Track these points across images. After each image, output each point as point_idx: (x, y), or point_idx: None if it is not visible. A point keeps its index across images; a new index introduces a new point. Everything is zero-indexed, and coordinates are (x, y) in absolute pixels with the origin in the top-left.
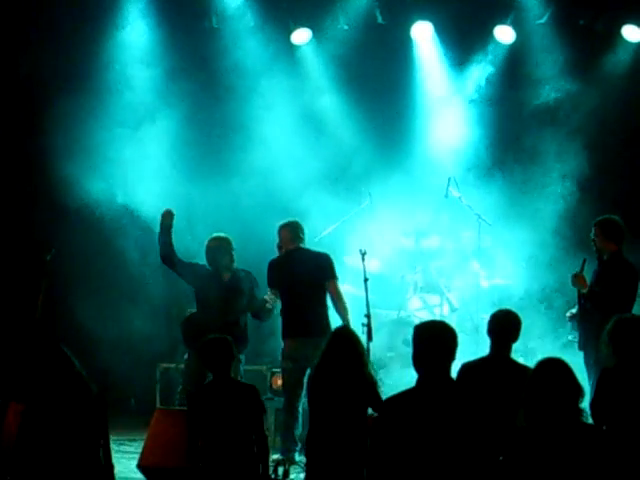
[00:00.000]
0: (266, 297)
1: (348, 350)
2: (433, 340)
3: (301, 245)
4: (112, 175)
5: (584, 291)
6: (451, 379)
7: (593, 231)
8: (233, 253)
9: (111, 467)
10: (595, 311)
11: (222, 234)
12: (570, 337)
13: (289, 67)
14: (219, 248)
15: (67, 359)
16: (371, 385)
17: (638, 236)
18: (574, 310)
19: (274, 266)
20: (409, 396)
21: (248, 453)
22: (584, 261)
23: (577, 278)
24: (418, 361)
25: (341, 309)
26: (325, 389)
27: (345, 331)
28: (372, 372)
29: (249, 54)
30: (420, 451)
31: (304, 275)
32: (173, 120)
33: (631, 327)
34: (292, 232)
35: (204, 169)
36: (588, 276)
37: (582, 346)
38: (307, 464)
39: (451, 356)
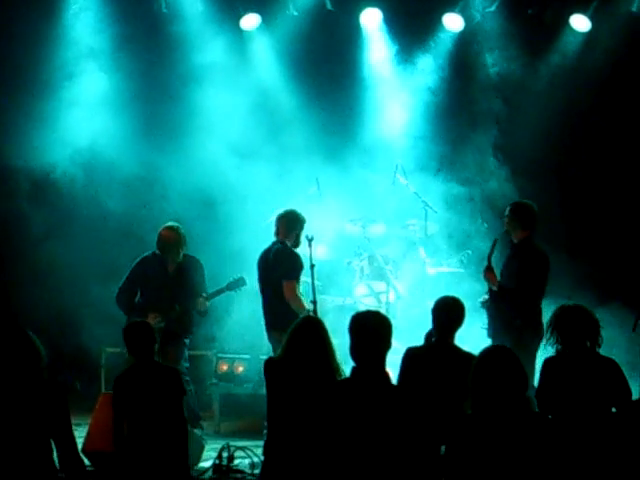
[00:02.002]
0: (200, 299)
1: (314, 339)
2: (367, 331)
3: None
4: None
5: (494, 288)
6: (384, 371)
7: (505, 211)
8: (182, 247)
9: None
10: (503, 302)
11: (175, 225)
12: (482, 325)
13: (238, 52)
14: (169, 240)
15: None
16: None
17: (578, 209)
18: (487, 296)
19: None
20: (344, 386)
21: (169, 436)
22: (495, 242)
23: (487, 274)
24: (353, 351)
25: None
26: (287, 379)
27: (312, 320)
28: (339, 364)
29: (198, 39)
30: (353, 440)
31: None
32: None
33: (575, 315)
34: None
35: (152, 154)
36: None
37: (491, 334)
38: (265, 454)
39: (385, 347)
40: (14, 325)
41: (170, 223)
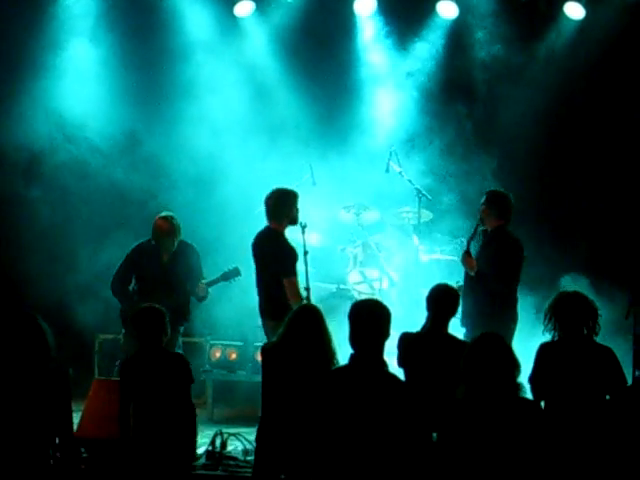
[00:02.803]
0: (200, 285)
1: (312, 326)
2: (367, 320)
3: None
4: None
5: (472, 273)
6: (382, 359)
7: (482, 200)
8: (176, 236)
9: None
10: (478, 289)
11: (170, 214)
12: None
13: (232, 39)
14: (163, 229)
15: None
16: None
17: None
18: (462, 283)
19: None
20: (341, 373)
21: (176, 423)
22: (476, 226)
23: (466, 259)
24: (353, 339)
25: None
26: (284, 366)
27: (310, 307)
28: (335, 352)
29: (192, 25)
30: (348, 427)
31: None
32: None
33: (574, 302)
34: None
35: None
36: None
37: (464, 323)
38: (258, 440)
39: (384, 336)
40: (24, 312)
41: (164, 213)
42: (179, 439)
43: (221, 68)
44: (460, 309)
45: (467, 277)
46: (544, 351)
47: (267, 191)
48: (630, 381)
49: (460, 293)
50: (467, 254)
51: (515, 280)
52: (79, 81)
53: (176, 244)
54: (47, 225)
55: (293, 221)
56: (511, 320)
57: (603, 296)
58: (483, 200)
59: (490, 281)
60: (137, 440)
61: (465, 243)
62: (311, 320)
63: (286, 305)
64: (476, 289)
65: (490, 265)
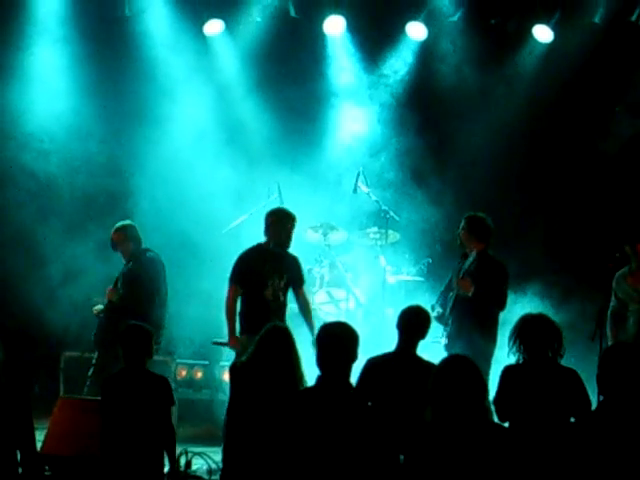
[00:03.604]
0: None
1: (281, 347)
2: (335, 342)
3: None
4: None
5: (470, 294)
6: (348, 382)
7: (460, 224)
8: (125, 245)
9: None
10: (469, 311)
11: (119, 224)
12: (432, 339)
13: (201, 58)
14: (112, 240)
15: None
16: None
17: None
18: (440, 309)
19: None
20: (308, 395)
21: (156, 444)
22: (463, 253)
23: (464, 283)
24: (320, 361)
25: None
26: (251, 385)
27: (280, 328)
28: (303, 374)
29: (161, 44)
30: (313, 449)
31: None
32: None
33: (538, 324)
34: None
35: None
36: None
37: (449, 347)
38: (224, 460)
39: (351, 359)
40: None
41: (118, 223)
42: (158, 459)
43: (188, 85)
44: (444, 334)
45: (456, 300)
46: (508, 373)
47: (236, 211)
48: (595, 404)
49: (438, 320)
50: (463, 277)
51: (503, 304)
52: (43, 83)
53: (131, 252)
54: (11, 234)
55: (279, 243)
56: (492, 341)
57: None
58: (462, 225)
59: (487, 301)
60: (116, 459)
61: (457, 267)
62: (281, 340)
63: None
64: (467, 311)
65: (482, 287)
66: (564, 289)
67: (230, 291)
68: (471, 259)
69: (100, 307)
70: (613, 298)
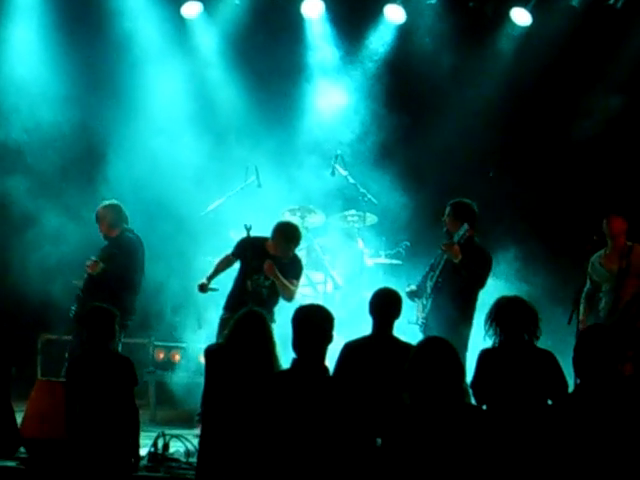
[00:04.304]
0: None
1: (257, 330)
2: (310, 325)
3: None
4: None
5: (456, 261)
6: (323, 365)
7: (444, 215)
8: (107, 224)
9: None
10: (446, 293)
11: (106, 203)
12: (408, 320)
13: (179, 40)
14: (96, 218)
15: None
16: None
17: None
18: (414, 287)
19: None
20: (283, 377)
21: (120, 424)
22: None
23: (452, 247)
24: (295, 343)
25: None
26: (227, 368)
27: (256, 312)
28: (278, 357)
29: (139, 25)
30: (289, 431)
31: None
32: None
33: (513, 307)
34: None
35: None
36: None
37: (425, 327)
38: (200, 443)
39: (326, 341)
40: None
41: (105, 202)
42: (122, 440)
43: (167, 68)
44: (422, 314)
45: (438, 280)
46: (485, 357)
47: (214, 194)
48: (572, 386)
49: (411, 298)
50: (451, 243)
51: (482, 286)
52: (19, 65)
53: (115, 232)
54: None
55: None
56: (470, 323)
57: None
58: (448, 211)
59: (470, 273)
60: (81, 441)
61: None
62: (256, 324)
63: None
64: (448, 292)
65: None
66: (546, 272)
67: (227, 254)
68: (460, 232)
69: (81, 282)
70: (588, 281)
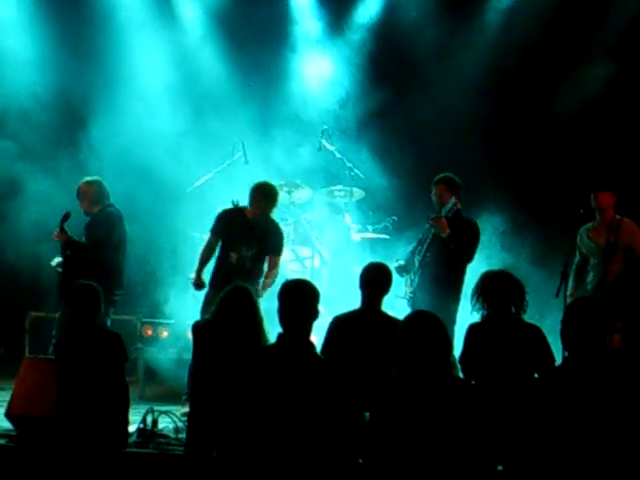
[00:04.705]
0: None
1: (244, 306)
2: (296, 300)
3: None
4: None
5: (444, 235)
6: (308, 339)
7: (435, 189)
8: (94, 197)
9: None
10: (435, 267)
11: (87, 179)
12: (396, 294)
13: (161, 8)
14: (77, 194)
15: None
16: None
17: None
18: (402, 262)
19: None
20: (269, 352)
21: (109, 402)
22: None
23: (439, 221)
24: (281, 318)
25: None
26: (214, 344)
27: (242, 287)
28: (266, 331)
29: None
30: (276, 406)
31: None
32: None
33: (500, 281)
34: None
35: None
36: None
37: (414, 300)
38: (189, 418)
39: (312, 316)
40: None
41: (86, 177)
42: (112, 417)
43: (151, 44)
44: (409, 289)
45: (426, 255)
46: (473, 331)
47: (201, 169)
48: (560, 360)
49: (400, 272)
50: (439, 217)
51: (471, 259)
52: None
53: (95, 208)
54: None
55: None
56: (457, 297)
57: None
58: (437, 189)
59: (458, 247)
60: (71, 418)
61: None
62: (243, 299)
63: None
64: (437, 266)
65: (451, 244)
66: (532, 247)
67: (208, 238)
68: (448, 207)
69: (57, 260)
70: (577, 253)
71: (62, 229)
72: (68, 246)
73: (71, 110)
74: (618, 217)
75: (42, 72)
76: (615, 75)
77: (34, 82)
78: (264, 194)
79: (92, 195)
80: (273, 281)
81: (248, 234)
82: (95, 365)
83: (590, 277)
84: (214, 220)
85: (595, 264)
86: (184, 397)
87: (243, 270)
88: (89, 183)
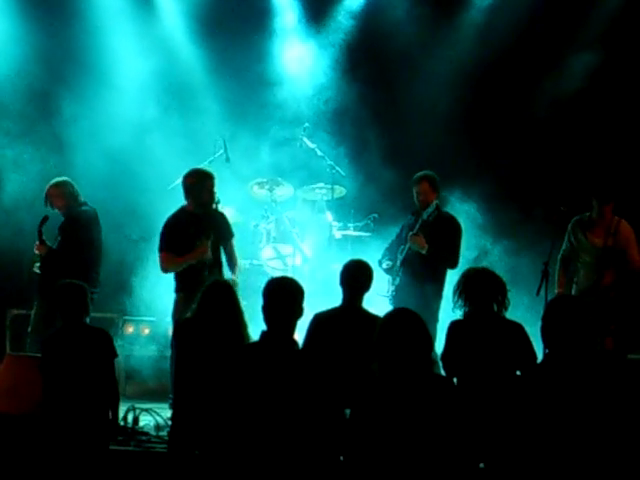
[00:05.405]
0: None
1: (224, 302)
2: (281, 298)
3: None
4: None
5: (424, 251)
6: (292, 338)
7: (418, 187)
8: (65, 198)
9: None
10: (417, 265)
11: (54, 181)
12: (378, 292)
13: (143, 8)
14: (50, 195)
15: None
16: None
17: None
18: (390, 262)
19: None
20: (252, 349)
21: (98, 398)
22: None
23: (417, 239)
24: (265, 316)
25: None
26: (197, 341)
27: (222, 283)
28: (247, 328)
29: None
30: (259, 403)
31: None
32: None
33: (481, 278)
34: None
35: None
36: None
37: (396, 299)
38: (172, 416)
39: (297, 314)
40: None
41: (53, 180)
42: (103, 413)
43: (133, 39)
44: (392, 287)
45: (408, 253)
46: (454, 329)
47: (181, 166)
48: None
49: (389, 272)
50: (417, 233)
51: (458, 260)
52: None
53: (68, 209)
54: None
55: (199, 203)
56: (440, 295)
57: None
58: (420, 188)
59: (440, 261)
60: (59, 415)
61: (410, 223)
62: (223, 295)
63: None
64: (419, 265)
65: (438, 244)
66: (516, 243)
67: (162, 257)
68: (430, 210)
69: (37, 263)
70: (566, 241)
71: (41, 240)
72: (49, 256)
73: (44, 100)
74: (616, 219)
75: (20, 63)
76: (599, 67)
77: (11, 74)
78: (199, 177)
79: (64, 196)
80: (240, 266)
81: (200, 225)
82: (85, 362)
83: (581, 276)
84: (160, 237)
85: (587, 262)
86: (170, 402)
87: (207, 264)
88: (58, 185)
